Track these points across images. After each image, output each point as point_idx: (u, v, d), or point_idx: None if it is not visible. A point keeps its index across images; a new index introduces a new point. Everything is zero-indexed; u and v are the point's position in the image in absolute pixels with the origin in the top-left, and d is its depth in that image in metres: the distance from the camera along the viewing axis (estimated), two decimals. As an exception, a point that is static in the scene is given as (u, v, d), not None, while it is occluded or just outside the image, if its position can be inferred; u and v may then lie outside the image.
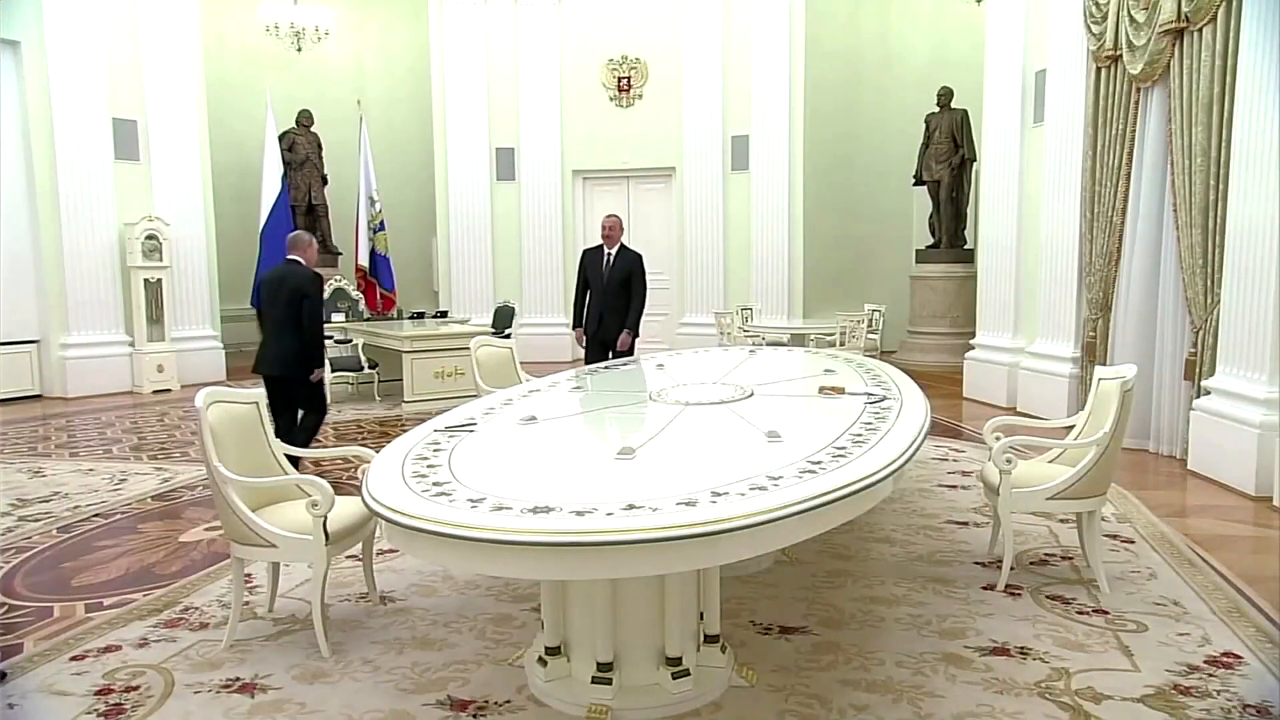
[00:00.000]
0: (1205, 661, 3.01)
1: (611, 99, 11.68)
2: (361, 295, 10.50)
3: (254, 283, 9.77)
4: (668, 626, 2.76)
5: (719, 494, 2.30)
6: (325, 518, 3.10)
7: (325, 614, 3.20)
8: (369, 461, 2.98)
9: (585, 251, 6.76)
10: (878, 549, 4.21)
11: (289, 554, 3.20)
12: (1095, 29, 6.66)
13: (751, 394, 3.85)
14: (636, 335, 6.48)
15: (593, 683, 2.72)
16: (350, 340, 9.12)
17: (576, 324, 6.73)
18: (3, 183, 8.65)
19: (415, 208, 12.57)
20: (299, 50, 11.60)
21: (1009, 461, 3.65)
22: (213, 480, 3.17)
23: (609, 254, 6.53)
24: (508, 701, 2.81)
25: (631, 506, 2.21)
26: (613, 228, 6.51)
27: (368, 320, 10.10)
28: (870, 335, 9.03)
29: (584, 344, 6.65)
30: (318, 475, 3.54)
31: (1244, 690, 2.81)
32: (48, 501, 5.27)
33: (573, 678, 2.81)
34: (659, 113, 11.51)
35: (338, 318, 9.69)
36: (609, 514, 2.17)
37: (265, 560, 3.41)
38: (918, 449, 2.96)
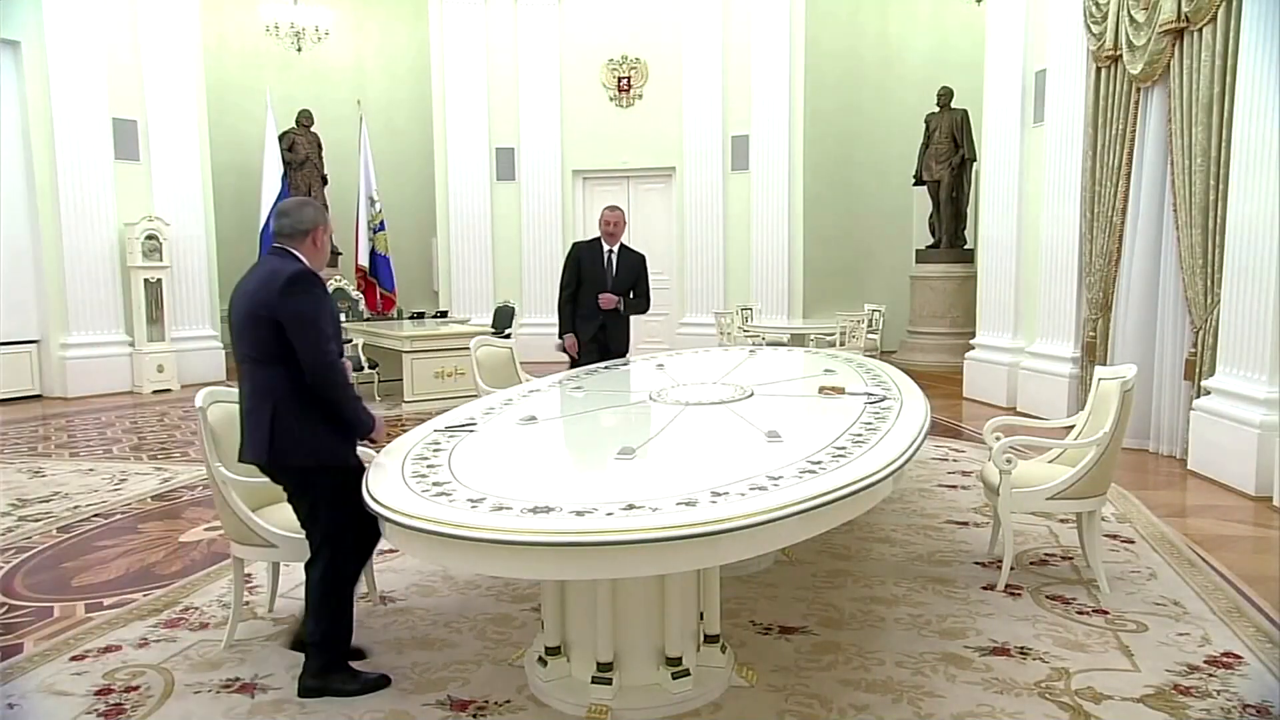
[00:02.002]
0: (1205, 661, 3.01)
1: (611, 99, 11.68)
2: (361, 295, 10.50)
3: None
4: (668, 626, 2.76)
5: (719, 494, 2.30)
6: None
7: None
8: (369, 461, 2.98)
9: (578, 245, 5.80)
10: (878, 549, 4.21)
11: (289, 554, 3.19)
12: (1095, 29, 6.66)
13: (751, 394, 3.85)
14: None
15: (593, 683, 2.72)
16: (350, 340, 9.12)
17: (566, 329, 5.65)
18: (3, 183, 8.65)
19: (415, 208, 12.56)
20: (299, 50, 11.60)
21: (1009, 461, 3.65)
22: (213, 480, 3.17)
23: (609, 252, 5.62)
24: (508, 701, 2.81)
25: (631, 506, 2.21)
26: (616, 223, 5.58)
27: (368, 320, 10.10)
28: (870, 335, 9.03)
29: (577, 352, 5.60)
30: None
31: (1244, 690, 2.81)
32: (48, 501, 5.27)
33: (573, 678, 2.81)
34: (659, 113, 11.50)
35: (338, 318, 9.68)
36: (609, 514, 2.17)
37: (265, 560, 3.40)
38: (918, 449, 2.96)
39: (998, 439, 3.79)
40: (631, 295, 5.68)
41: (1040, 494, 3.67)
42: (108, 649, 3.21)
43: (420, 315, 10.56)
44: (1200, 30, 5.49)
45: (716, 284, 11.51)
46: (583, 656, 2.80)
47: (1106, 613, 3.43)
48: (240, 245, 11.02)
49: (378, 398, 8.80)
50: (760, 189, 11.18)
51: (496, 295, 11.44)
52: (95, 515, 4.95)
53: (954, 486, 5.33)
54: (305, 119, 11.57)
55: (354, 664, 2.96)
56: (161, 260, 9.55)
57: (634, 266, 5.70)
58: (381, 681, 2.91)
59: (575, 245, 5.87)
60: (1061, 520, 4.42)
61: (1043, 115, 7.71)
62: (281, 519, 3.20)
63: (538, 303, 11.57)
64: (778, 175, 11.07)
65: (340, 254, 11.79)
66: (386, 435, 3.07)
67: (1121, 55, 6.35)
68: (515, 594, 3.67)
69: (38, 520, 4.88)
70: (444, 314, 11.02)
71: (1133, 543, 4.27)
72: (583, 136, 11.67)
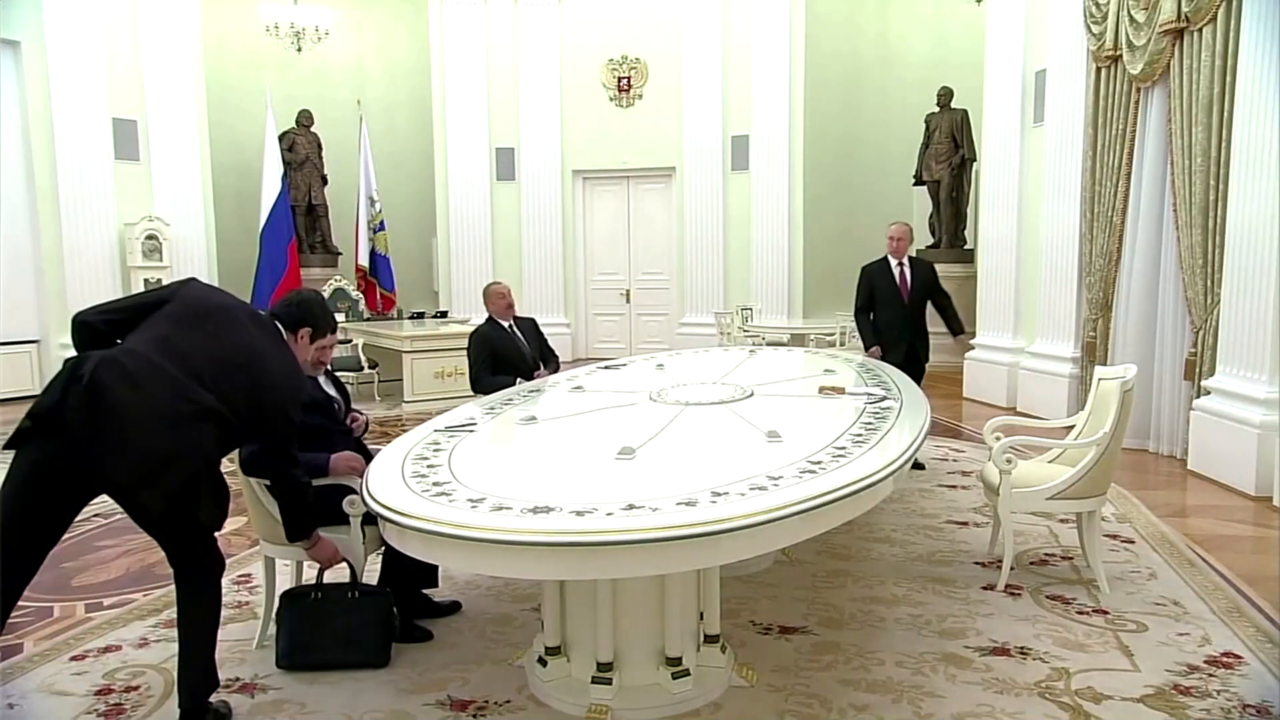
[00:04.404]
0: (1205, 661, 3.01)
1: (611, 99, 11.68)
2: (361, 295, 10.50)
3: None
4: (668, 626, 2.76)
5: (719, 494, 2.30)
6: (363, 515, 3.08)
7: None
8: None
9: (484, 331, 5.40)
10: (878, 549, 4.21)
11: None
12: (1095, 29, 6.66)
13: (751, 394, 3.84)
14: None
15: (593, 683, 2.72)
16: (350, 340, 9.12)
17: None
18: (3, 183, 8.65)
19: (415, 208, 12.56)
20: (299, 50, 11.60)
21: (1009, 461, 3.65)
22: (245, 480, 3.15)
23: (510, 326, 5.44)
24: (508, 701, 2.81)
25: (631, 506, 2.21)
26: (505, 294, 5.50)
27: (368, 320, 10.10)
28: (870, 335, 9.01)
29: None
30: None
31: (1244, 690, 2.81)
32: (48, 501, 5.25)
33: (573, 678, 2.81)
34: (659, 113, 11.51)
35: (338, 318, 9.68)
36: (609, 514, 2.17)
37: (294, 559, 3.36)
38: (918, 449, 2.96)
39: (998, 439, 3.79)
40: (544, 365, 5.38)
41: (1040, 494, 3.67)
42: (108, 649, 3.22)
43: (420, 315, 10.56)
44: (1200, 30, 5.49)
45: (716, 284, 11.52)
46: (583, 656, 2.80)
47: (1106, 613, 3.43)
48: (240, 245, 11.02)
49: (378, 397, 8.80)
50: (760, 189, 11.19)
51: (496, 295, 11.42)
52: (95, 515, 4.94)
53: (954, 486, 5.33)
54: (305, 119, 11.57)
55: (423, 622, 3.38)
56: (161, 260, 9.55)
57: (536, 333, 5.51)
58: (425, 635, 3.28)
59: (479, 333, 5.45)
60: (1061, 520, 4.42)
61: (1043, 115, 7.71)
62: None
63: (537, 303, 11.56)
64: (778, 175, 11.07)
65: (340, 254, 11.81)
66: (360, 466, 3.15)
67: (1121, 55, 6.35)
68: (515, 594, 3.67)
69: (38, 520, 4.87)
70: (444, 314, 11.02)
71: (1133, 543, 4.27)
72: (583, 136, 11.67)
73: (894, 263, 5.69)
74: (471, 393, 5.30)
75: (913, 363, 5.54)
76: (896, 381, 4.18)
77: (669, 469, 2.77)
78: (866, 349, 5.70)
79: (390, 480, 2.58)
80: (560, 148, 11.72)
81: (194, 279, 2.82)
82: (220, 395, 2.51)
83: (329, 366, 3.51)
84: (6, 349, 8.78)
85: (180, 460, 2.44)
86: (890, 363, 5.14)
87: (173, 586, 2.76)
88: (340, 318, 9.69)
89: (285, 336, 2.88)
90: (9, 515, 2.31)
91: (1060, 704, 2.73)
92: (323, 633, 3.02)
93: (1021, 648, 3.13)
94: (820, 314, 10.85)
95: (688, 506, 2.21)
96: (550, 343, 5.70)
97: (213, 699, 2.72)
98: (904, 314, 5.67)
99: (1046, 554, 4.12)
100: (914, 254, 5.83)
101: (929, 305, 5.82)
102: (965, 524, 4.60)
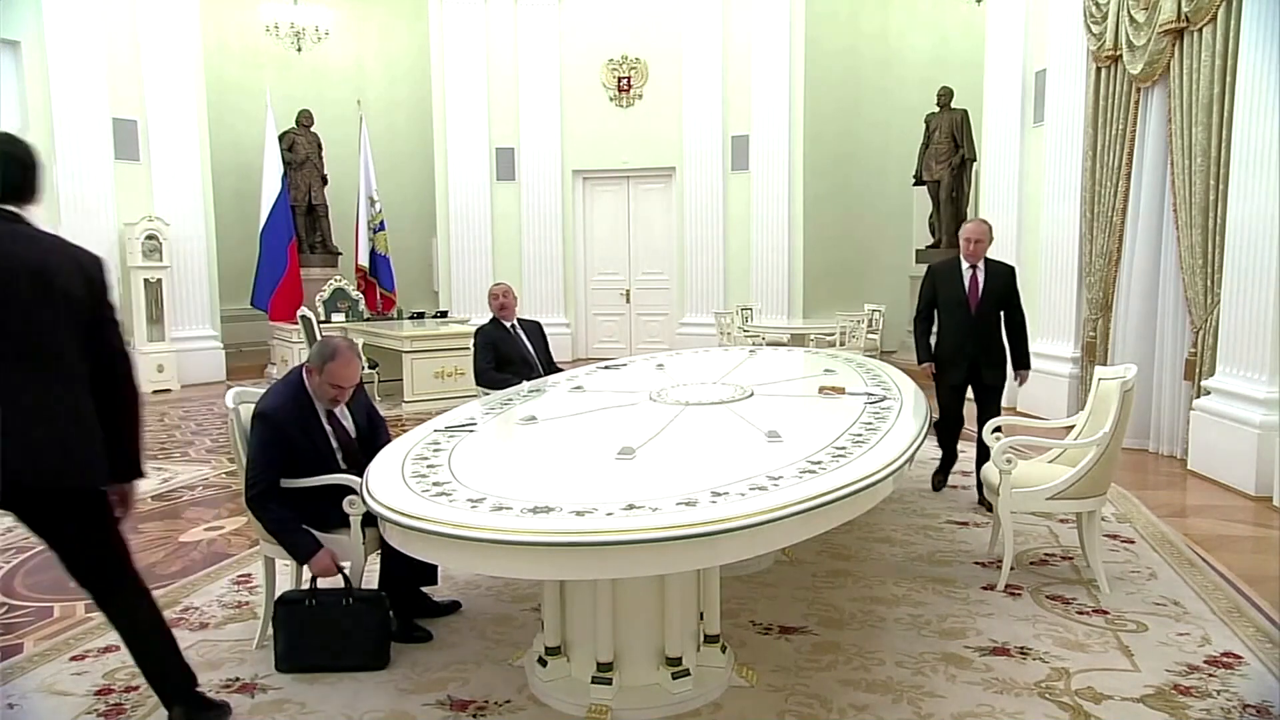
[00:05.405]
0: (1205, 661, 3.01)
1: (611, 99, 11.68)
2: (361, 295, 10.49)
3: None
4: (668, 626, 2.76)
5: (719, 494, 2.30)
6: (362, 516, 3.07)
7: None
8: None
9: (486, 329, 5.49)
10: (878, 549, 4.21)
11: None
12: (1095, 29, 6.66)
13: (751, 394, 3.85)
14: None
15: (593, 683, 2.72)
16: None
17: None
18: (3, 183, 8.64)
19: (415, 208, 12.56)
20: (299, 50, 11.60)
21: (1009, 461, 3.65)
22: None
23: (512, 327, 5.49)
24: (508, 701, 2.81)
25: (631, 506, 2.21)
26: (505, 294, 5.50)
27: (368, 320, 10.09)
28: (870, 335, 9.03)
29: None
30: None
31: (1244, 690, 2.82)
32: (48, 501, 5.25)
33: (573, 678, 2.81)
34: (659, 113, 11.50)
35: (338, 318, 9.69)
36: (609, 514, 2.17)
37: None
38: (918, 449, 2.96)
39: (998, 439, 3.80)
40: (545, 369, 5.42)
41: (1040, 494, 3.68)
42: (108, 649, 3.21)
43: (420, 315, 10.55)
44: (1200, 30, 5.49)
45: (716, 284, 11.51)
46: (583, 656, 2.80)
47: (1106, 613, 3.43)
48: (240, 245, 11.02)
49: (378, 398, 8.80)
50: (760, 189, 11.18)
51: (496, 295, 11.41)
52: (95, 515, 4.95)
53: (954, 486, 5.33)
54: (305, 119, 11.56)
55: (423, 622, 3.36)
56: (161, 260, 9.54)
57: (540, 336, 5.57)
58: (425, 636, 3.27)
59: (482, 330, 5.52)
60: (1061, 520, 4.42)
61: (1043, 115, 7.71)
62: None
63: (538, 303, 11.57)
64: (778, 175, 11.06)
65: (340, 254, 11.81)
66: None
67: (1121, 55, 6.35)
68: (515, 594, 3.67)
69: (38, 520, 4.87)
70: (444, 314, 11.01)
71: (1133, 543, 4.27)
72: (583, 136, 11.67)
73: (966, 265, 4.84)
74: (475, 388, 5.37)
75: (976, 385, 4.86)
76: (896, 382, 4.17)
77: (669, 469, 2.77)
78: (919, 363, 4.99)
79: (390, 480, 2.58)
80: (560, 148, 11.71)
81: None
82: (56, 339, 2.38)
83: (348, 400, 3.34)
84: (6, 349, 8.77)
85: (73, 426, 2.39)
86: (947, 383, 4.61)
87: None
88: (340, 318, 9.70)
89: (28, 218, 2.58)
90: None
91: (1060, 704, 2.73)
92: (319, 637, 3.01)
93: (1021, 648, 3.13)
94: (820, 314, 10.85)
95: (688, 506, 2.21)
96: (549, 344, 5.74)
97: (213, 699, 2.71)
98: (969, 325, 4.80)
99: (1046, 554, 4.12)
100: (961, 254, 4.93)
101: (1002, 320, 4.89)
102: (965, 524, 4.60)
